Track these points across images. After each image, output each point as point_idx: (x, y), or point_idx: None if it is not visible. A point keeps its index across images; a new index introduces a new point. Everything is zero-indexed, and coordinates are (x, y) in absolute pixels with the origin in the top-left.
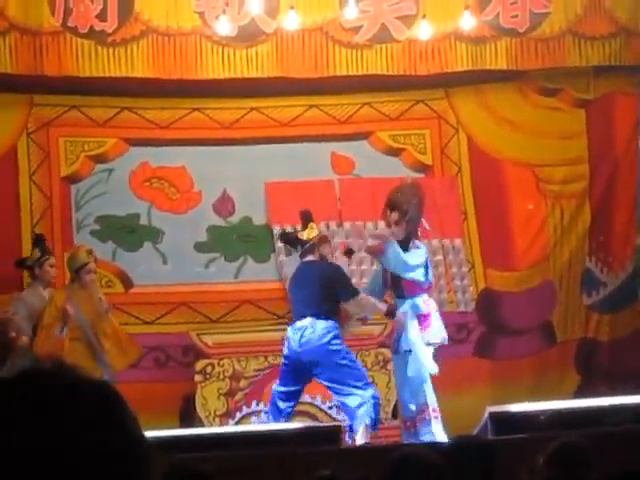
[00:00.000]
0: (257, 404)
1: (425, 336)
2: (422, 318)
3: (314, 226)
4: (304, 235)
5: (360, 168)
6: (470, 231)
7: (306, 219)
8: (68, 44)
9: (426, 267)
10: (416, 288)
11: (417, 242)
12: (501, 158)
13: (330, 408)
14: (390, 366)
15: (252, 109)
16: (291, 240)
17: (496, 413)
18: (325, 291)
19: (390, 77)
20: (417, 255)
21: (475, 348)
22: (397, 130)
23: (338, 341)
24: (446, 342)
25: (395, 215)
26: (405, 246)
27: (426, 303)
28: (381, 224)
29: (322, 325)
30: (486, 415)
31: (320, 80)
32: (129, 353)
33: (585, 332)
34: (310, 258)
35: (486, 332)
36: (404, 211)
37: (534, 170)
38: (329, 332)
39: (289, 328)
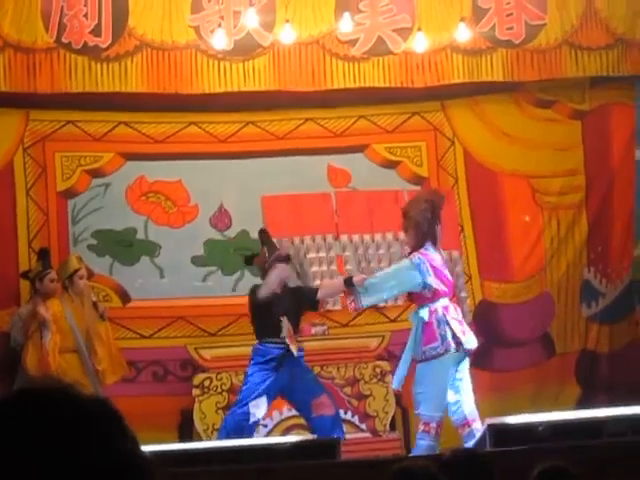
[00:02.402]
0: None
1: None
2: (425, 327)
3: (266, 250)
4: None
5: (356, 181)
6: (467, 243)
7: (262, 241)
8: (62, 60)
9: (422, 274)
10: (419, 298)
11: (425, 251)
12: (497, 170)
13: None
14: (388, 379)
15: (248, 123)
16: (251, 264)
17: (494, 425)
18: (254, 313)
19: (385, 90)
20: (398, 271)
21: (473, 360)
22: (393, 142)
23: (251, 363)
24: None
25: (404, 223)
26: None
27: (432, 312)
28: (377, 237)
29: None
30: (484, 426)
31: (316, 93)
32: (118, 368)
33: (585, 344)
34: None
35: (484, 344)
36: (410, 218)
37: (530, 182)
38: (252, 353)
39: None
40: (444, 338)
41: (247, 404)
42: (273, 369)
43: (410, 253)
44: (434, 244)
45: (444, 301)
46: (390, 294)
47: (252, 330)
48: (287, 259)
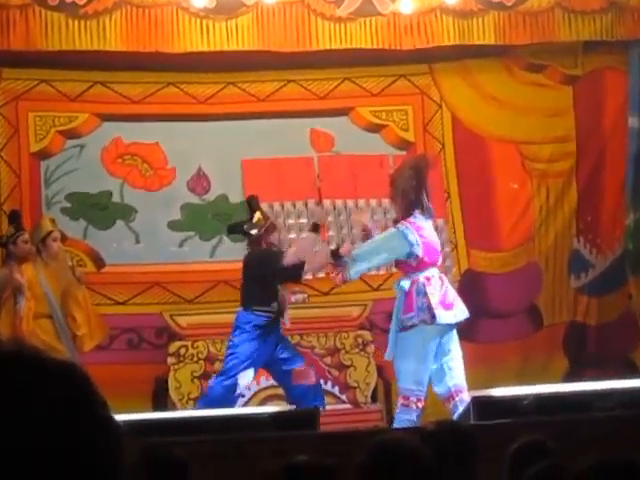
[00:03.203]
0: None
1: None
2: (406, 297)
3: (260, 216)
4: (250, 228)
5: (340, 145)
6: (453, 211)
7: (252, 207)
8: (37, 17)
9: (410, 243)
10: (405, 267)
11: (413, 219)
12: (485, 135)
13: None
14: (369, 349)
15: (228, 84)
16: (239, 232)
17: (479, 397)
18: (247, 280)
19: (372, 51)
20: (385, 240)
21: (458, 331)
22: (378, 106)
23: (236, 332)
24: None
25: (391, 191)
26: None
27: (414, 282)
28: (361, 202)
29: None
30: (469, 399)
31: (299, 54)
32: (97, 332)
33: (574, 315)
34: (254, 248)
35: (469, 314)
36: (396, 186)
37: (519, 148)
38: (236, 321)
39: None
40: (420, 309)
41: (236, 375)
42: (259, 338)
43: (397, 222)
44: (423, 212)
45: (430, 271)
46: (378, 263)
47: (230, 298)
48: (316, 228)
